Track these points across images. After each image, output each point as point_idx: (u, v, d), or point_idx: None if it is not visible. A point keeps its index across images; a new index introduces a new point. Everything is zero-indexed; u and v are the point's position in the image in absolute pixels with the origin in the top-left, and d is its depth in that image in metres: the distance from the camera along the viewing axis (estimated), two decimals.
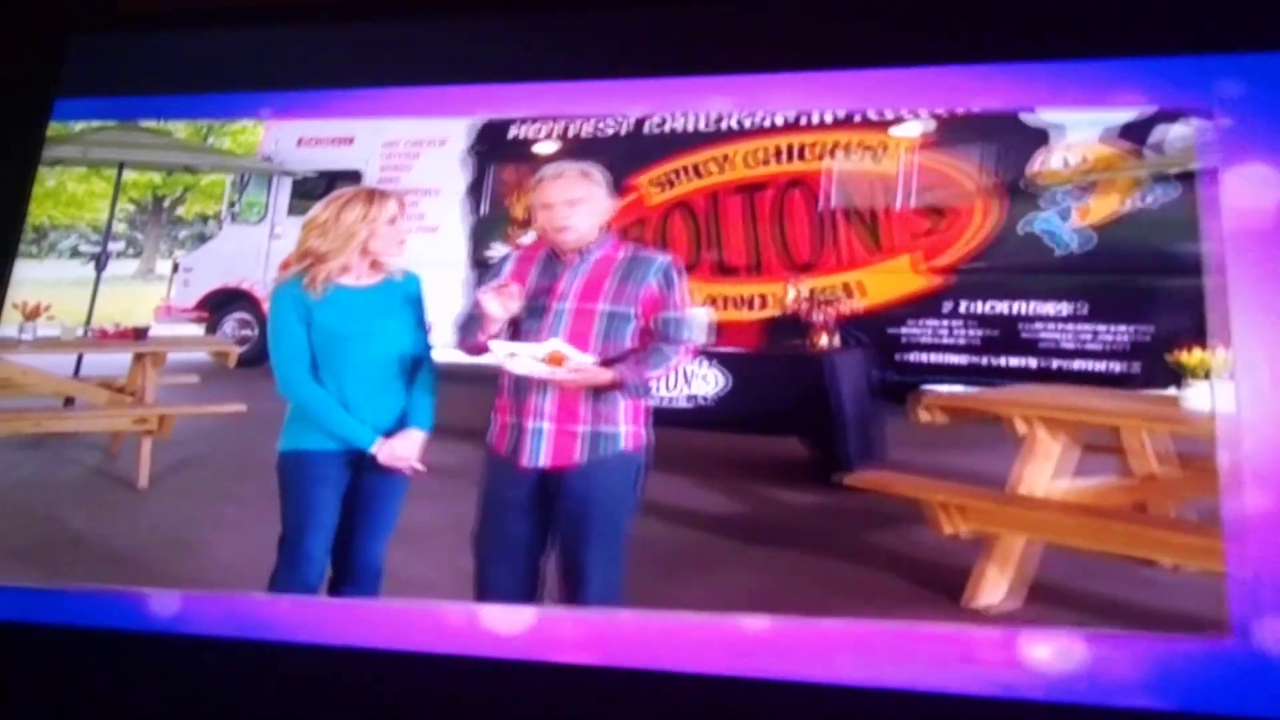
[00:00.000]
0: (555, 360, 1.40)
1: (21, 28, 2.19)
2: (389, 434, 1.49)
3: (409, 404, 1.51)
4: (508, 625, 1.46)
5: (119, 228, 2.12)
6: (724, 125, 1.74)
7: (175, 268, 2.26)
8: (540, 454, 1.43)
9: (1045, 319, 1.48)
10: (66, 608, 1.72)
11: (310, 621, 1.56)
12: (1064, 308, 1.46)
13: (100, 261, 2.03)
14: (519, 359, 1.41)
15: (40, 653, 1.71)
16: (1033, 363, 1.50)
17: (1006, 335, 1.56)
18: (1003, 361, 1.56)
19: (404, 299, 1.54)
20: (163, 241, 2.29)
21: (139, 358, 2.06)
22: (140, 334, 2.06)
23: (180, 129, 2.08)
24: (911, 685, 1.39)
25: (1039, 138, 1.51)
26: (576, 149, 1.69)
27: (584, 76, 1.82)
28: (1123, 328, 1.34)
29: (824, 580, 1.34)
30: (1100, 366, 1.38)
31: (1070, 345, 1.45)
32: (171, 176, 2.24)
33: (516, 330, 1.47)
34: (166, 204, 2.30)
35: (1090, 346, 1.40)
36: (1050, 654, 1.36)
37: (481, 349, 1.46)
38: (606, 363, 1.42)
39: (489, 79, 1.83)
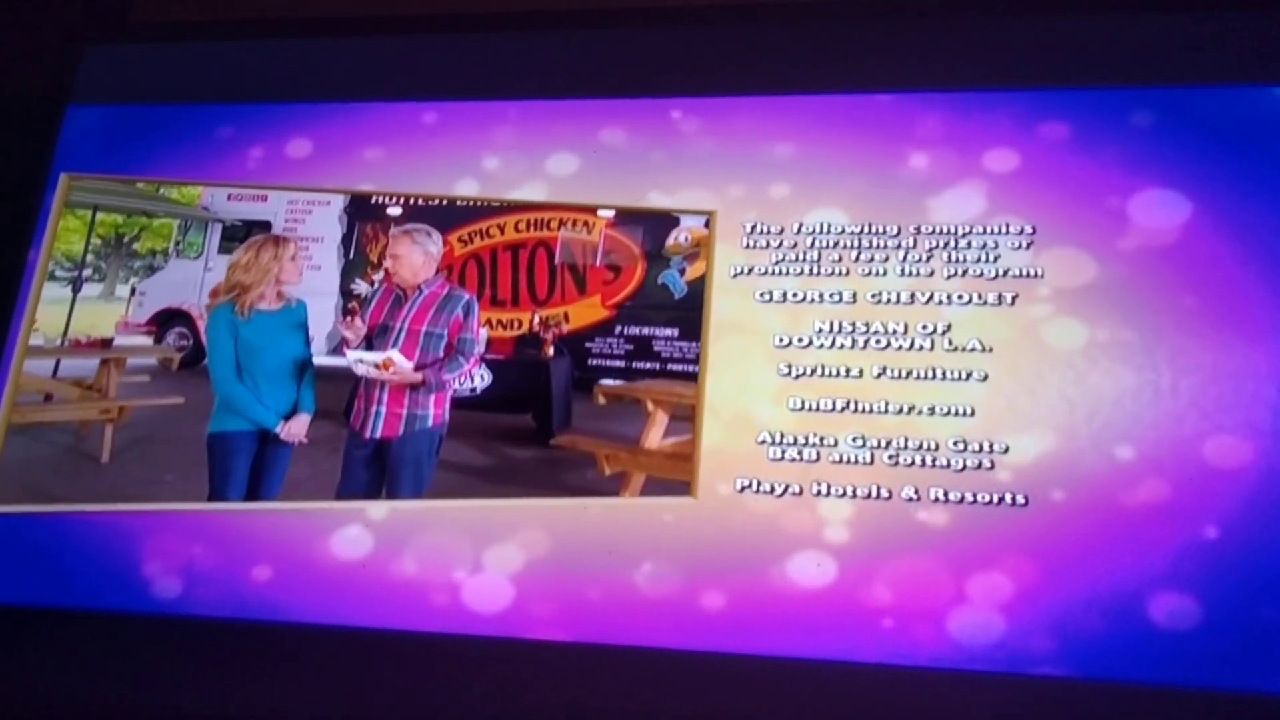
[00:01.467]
0: (385, 366, 1.97)
1: (35, 38, 2.30)
2: (286, 417, 2.01)
3: (299, 395, 2.04)
4: (488, 605, 1.72)
5: (87, 258, 2.34)
6: (501, 203, 2.08)
7: (133, 291, 2.50)
8: (377, 428, 2.00)
9: (663, 338, 1.87)
10: (69, 590, 1.85)
11: (298, 602, 1.78)
12: (673, 331, 1.84)
13: (76, 285, 2.29)
14: (362, 365, 1.98)
15: (44, 636, 1.83)
16: (656, 366, 1.89)
17: (643, 348, 1.94)
18: (642, 365, 1.94)
19: (298, 320, 2.06)
20: (121, 270, 2.48)
21: (105, 362, 2.35)
22: (106, 343, 2.36)
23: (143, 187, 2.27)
24: (850, 658, 1.60)
25: (673, 223, 1.93)
26: (415, 214, 2.10)
27: (555, 95, 2.05)
28: (695, 343, 1.77)
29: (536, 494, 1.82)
30: (688, 368, 1.79)
31: (675, 355, 1.85)
32: (131, 218, 2.49)
33: (372, 343, 2.04)
34: (126, 240, 2.52)
35: (683, 355, 1.82)
36: (972, 629, 1.58)
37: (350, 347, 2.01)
38: (421, 367, 2.00)
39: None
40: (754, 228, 1.87)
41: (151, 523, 1.86)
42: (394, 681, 1.70)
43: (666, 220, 2.02)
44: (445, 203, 2.15)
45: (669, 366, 1.97)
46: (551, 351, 2.21)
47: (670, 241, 2.04)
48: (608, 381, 2.07)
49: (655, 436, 1.92)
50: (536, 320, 2.23)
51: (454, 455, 2.00)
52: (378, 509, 1.81)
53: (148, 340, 2.54)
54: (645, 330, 2.06)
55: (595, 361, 2.10)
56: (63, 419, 2.25)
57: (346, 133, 2.12)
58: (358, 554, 1.75)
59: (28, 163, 2.17)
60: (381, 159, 2.09)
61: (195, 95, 2.18)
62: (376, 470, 1.97)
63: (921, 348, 1.74)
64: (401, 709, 1.69)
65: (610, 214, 2.12)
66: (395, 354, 1.99)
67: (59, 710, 1.76)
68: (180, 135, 2.18)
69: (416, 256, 2.06)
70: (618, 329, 2.10)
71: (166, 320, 2.58)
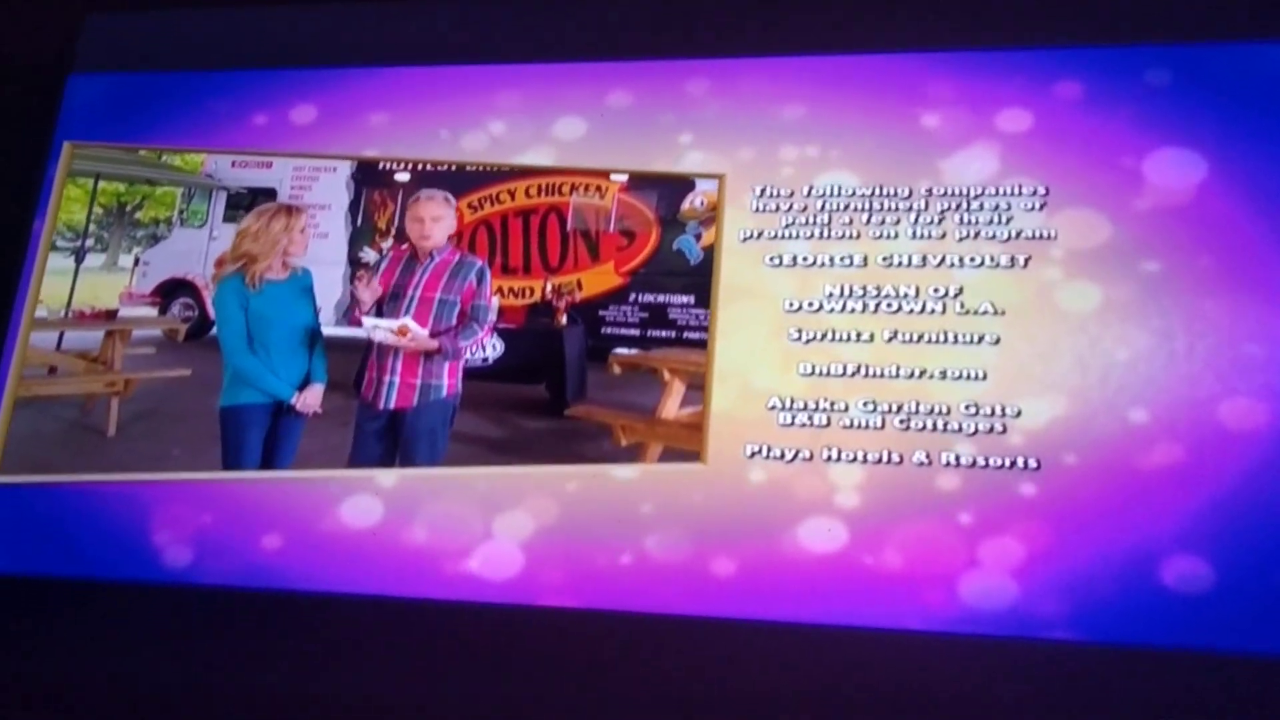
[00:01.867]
0: (402, 332, 1.95)
1: (35, 5, 2.26)
2: (300, 388, 2.00)
3: (312, 365, 2.02)
4: (498, 572, 1.73)
5: (89, 228, 2.32)
6: (512, 168, 2.05)
7: (137, 261, 2.50)
8: (391, 399, 1.99)
9: (679, 305, 1.86)
10: (79, 560, 1.85)
11: (313, 571, 1.78)
12: (689, 298, 1.84)
13: (79, 256, 2.28)
14: (379, 330, 1.97)
15: (54, 606, 1.84)
16: (672, 334, 1.88)
17: (658, 316, 1.93)
18: (657, 333, 1.93)
19: (305, 289, 2.04)
20: (124, 240, 2.47)
21: (110, 334, 2.32)
22: (111, 315, 2.33)
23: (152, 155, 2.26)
24: (862, 623, 1.60)
25: (688, 187, 1.92)
26: (423, 179, 2.07)
27: (561, 59, 2.04)
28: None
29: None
30: (704, 336, 1.77)
31: (691, 322, 1.83)
32: (133, 187, 2.46)
33: (382, 310, 2.02)
34: (129, 209, 2.49)
35: (699, 323, 1.80)
36: (985, 594, 1.57)
37: (356, 323, 2.01)
38: (435, 335, 1.98)
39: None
40: (764, 191, 1.86)
41: (160, 492, 1.86)
42: (404, 649, 1.71)
43: (681, 185, 2.00)
44: (454, 168, 2.13)
45: (685, 334, 1.94)
46: (565, 320, 2.19)
47: (685, 206, 2.02)
48: (622, 350, 2.06)
49: (672, 406, 1.89)
50: (549, 288, 2.20)
51: (466, 427, 1.99)
52: (387, 477, 1.82)
53: (152, 311, 2.53)
54: (660, 298, 2.04)
55: (609, 330, 2.08)
56: (68, 392, 2.22)
57: (351, 98, 2.10)
58: (368, 522, 1.76)
59: (31, 132, 2.15)
60: (386, 124, 2.07)
61: (197, 62, 2.16)
62: (390, 442, 1.96)
63: (933, 311, 1.73)
64: (412, 676, 1.69)
65: (623, 179, 2.09)
66: (409, 321, 1.98)
67: (72, 680, 1.77)
68: (183, 103, 2.15)
69: (451, 220, 2.06)
70: (632, 296, 2.08)
71: (171, 290, 2.57)
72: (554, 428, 2.06)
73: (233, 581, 1.77)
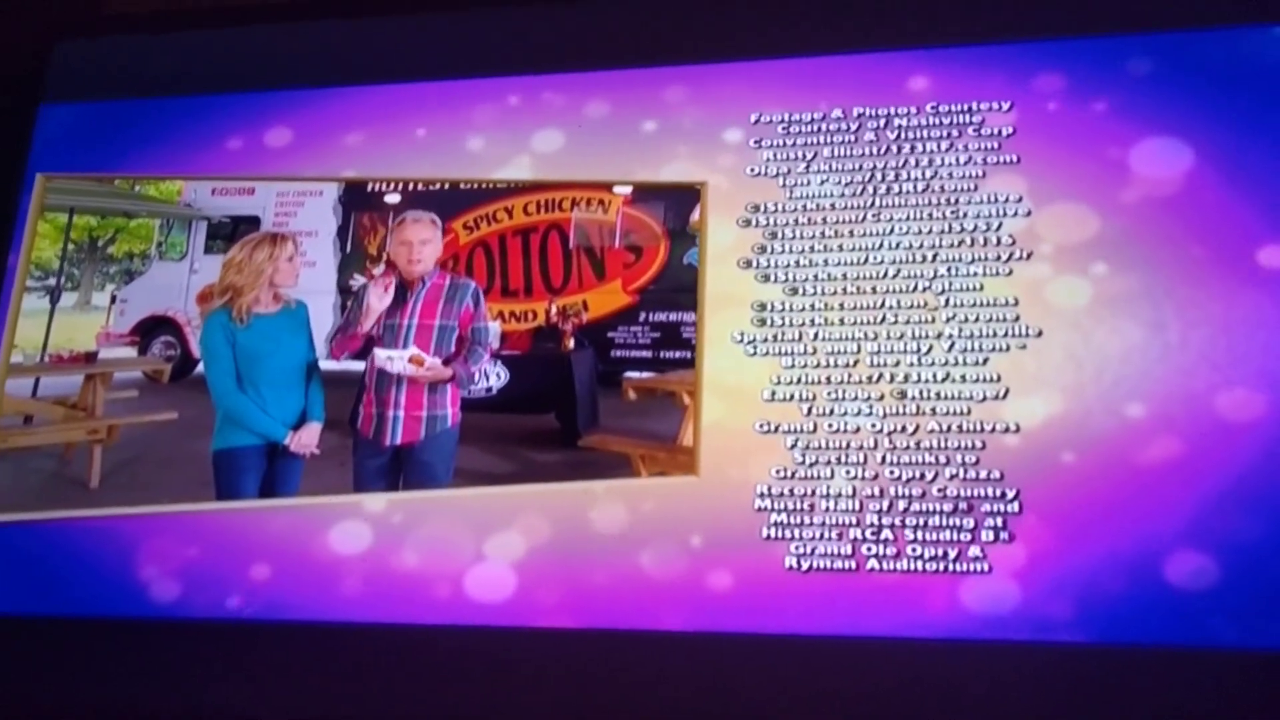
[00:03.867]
0: (417, 361, 1.88)
1: (3, 34, 2.23)
2: (295, 428, 1.92)
3: (308, 403, 1.94)
4: (491, 594, 1.70)
5: (59, 265, 2.26)
6: (509, 185, 2.02)
7: (113, 299, 2.42)
8: (397, 434, 1.91)
9: (692, 324, 1.80)
10: (65, 598, 1.82)
11: (298, 599, 1.75)
12: None
13: (54, 295, 2.21)
14: (395, 361, 1.88)
15: (41, 644, 1.79)
16: (687, 354, 1.81)
17: (671, 335, 1.91)
18: (672, 354, 1.90)
19: (300, 322, 1.97)
20: (96, 276, 2.41)
21: (89, 378, 2.23)
22: (91, 357, 2.27)
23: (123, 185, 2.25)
24: (863, 632, 1.58)
25: (697, 196, 1.86)
26: (414, 200, 2.03)
27: (539, 70, 2.00)
28: None
29: None
30: None
31: None
32: (105, 220, 2.40)
33: (376, 342, 1.93)
34: (101, 243, 2.43)
35: None
36: (987, 598, 1.57)
37: (353, 348, 1.93)
38: (445, 362, 1.92)
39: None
40: (746, 197, 1.87)
41: (145, 527, 1.84)
42: (398, 675, 1.69)
43: (690, 194, 1.92)
44: (446, 187, 2.07)
45: None
46: (572, 344, 2.12)
47: (695, 217, 1.92)
48: (634, 374, 2.00)
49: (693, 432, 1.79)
50: (554, 310, 2.13)
51: (472, 461, 1.92)
52: (375, 502, 1.78)
53: (131, 352, 2.43)
54: (673, 315, 1.98)
55: (619, 353, 2.02)
56: (47, 442, 2.12)
57: (326, 118, 2.11)
58: (357, 548, 1.73)
59: (2, 165, 2.11)
60: (363, 143, 2.07)
61: (169, 88, 2.14)
62: (394, 479, 1.90)
63: (922, 312, 1.76)
64: (406, 702, 1.68)
65: (628, 190, 2.05)
66: (418, 350, 1.90)
67: (61, 718, 1.75)
68: (156, 129, 2.13)
69: (439, 243, 1.98)
70: (642, 316, 2.03)
71: (150, 329, 2.46)
72: (567, 459, 1.98)
73: (222, 614, 1.75)
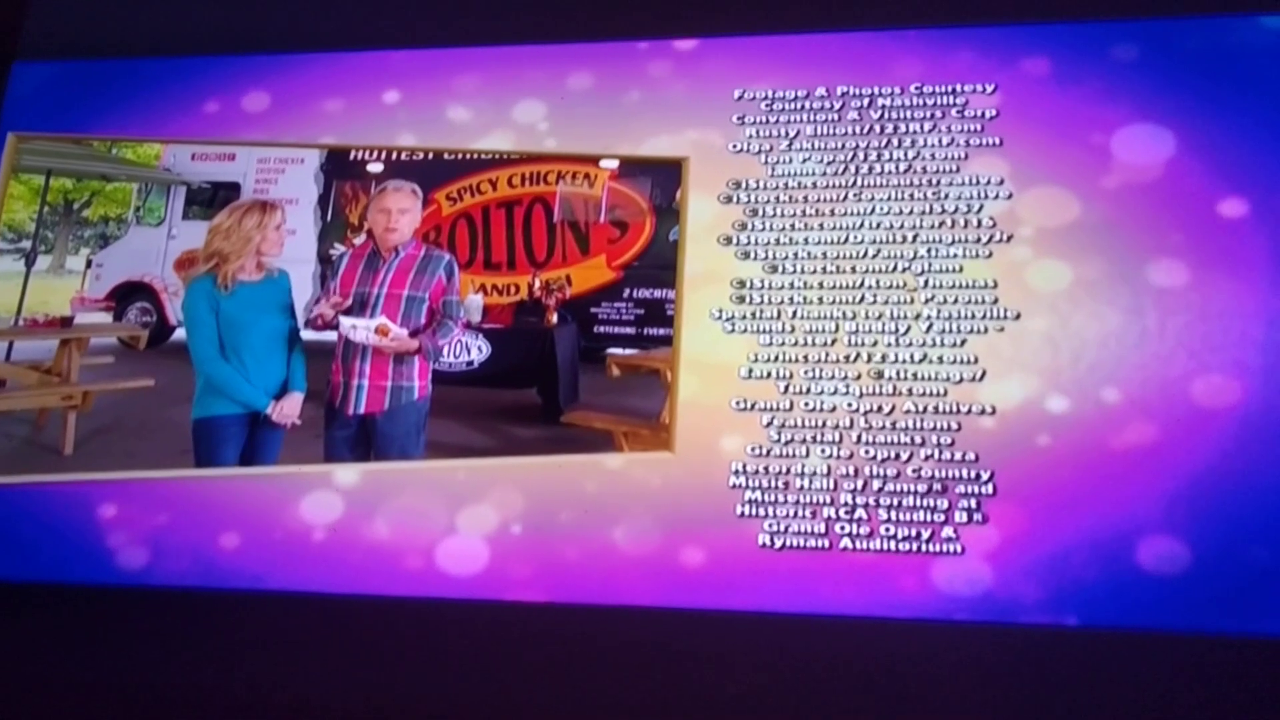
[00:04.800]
0: (383, 332, 1.88)
1: None
2: (277, 397, 1.92)
3: (290, 373, 1.94)
4: (462, 567, 1.70)
5: (33, 228, 2.25)
6: (494, 156, 2.01)
7: (89, 264, 2.40)
8: (360, 403, 1.91)
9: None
10: (31, 564, 1.80)
11: (275, 570, 1.74)
12: None
13: (30, 259, 2.19)
14: (359, 330, 1.88)
15: (6, 611, 1.78)
16: (670, 331, 1.79)
17: (655, 313, 1.89)
18: (655, 331, 1.89)
19: (282, 291, 1.96)
20: (70, 240, 2.38)
21: (64, 343, 2.19)
22: (67, 322, 2.25)
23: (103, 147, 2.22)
24: (834, 611, 1.59)
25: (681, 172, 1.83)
26: (397, 169, 2.01)
27: (523, 40, 1.98)
28: None
29: None
30: None
31: None
32: (81, 183, 2.38)
33: (349, 310, 1.94)
34: (76, 207, 2.41)
35: None
36: (959, 579, 1.58)
37: (329, 324, 1.93)
38: (411, 334, 1.91)
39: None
40: (728, 173, 1.87)
41: (114, 493, 1.83)
42: (368, 647, 1.69)
43: (677, 171, 1.91)
44: (430, 157, 2.04)
45: None
46: (555, 319, 2.10)
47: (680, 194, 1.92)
48: (617, 351, 2.00)
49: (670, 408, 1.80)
50: (537, 284, 2.12)
51: (452, 435, 1.93)
52: (347, 473, 1.75)
53: (107, 317, 2.40)
54: (656, 293, 1.96)
55: (602, 329, 2.02)
56: (21, 407, 2.10)
57: (305, 84, 2.09)
58: (328, 519, 1.72)
59: None
60: (342, 110, 2.05)
61: (147, 49, 2.10)
62: (362, 451, 1.90)
63: (901, 292, 1.77)
64: (376, 674, 1.69)
65: (614, 165, 2.04)
66: (384, 319, 1.89)
67: (24, 685, 1.73)
68: (132, 91, 2.09)
69: (417, 213, 1.96)
70: (626, 292, 2.03)
71: (126, 294, 2.44)
72: (549, 435, 1.98)
73: (190, 582, 1.74)
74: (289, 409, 1.91)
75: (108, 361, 2.30)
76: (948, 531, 1.64)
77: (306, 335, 1.98)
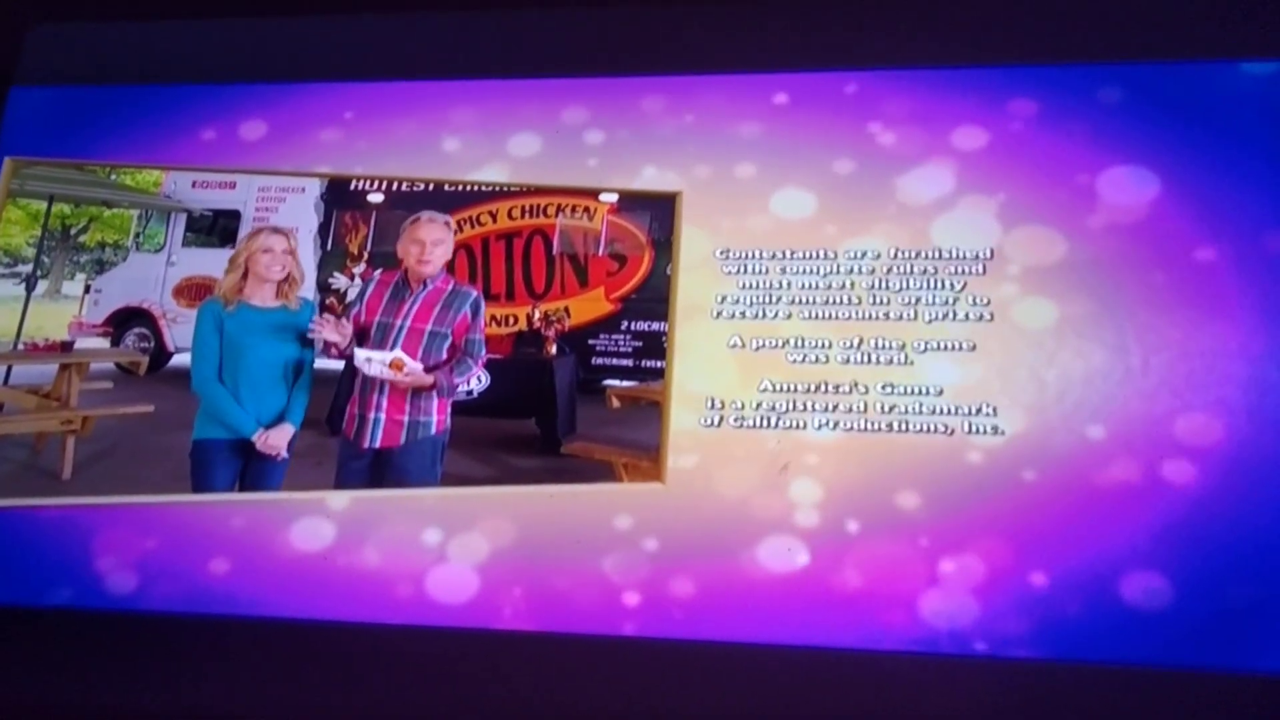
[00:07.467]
0: (397, 366, 1.87)
1: None
2: (269, 427, 1.89)
3: (290, 405, 1.92)
4: (452, 595, 1.69)
5: (31, 253, 2.26)
6: (494, 188, 2.05)
7: (87, 289, 2.41)
8: (376, 437, 1.91)
9: None
10: (19, 588, 1.77)
11: (265, 596, 1.72)
12: None
13: (30, 283, 2.19)
14: (373, 364, 1.87)
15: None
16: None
17: (653, 345, 1.93)
18: (653, 364, 1.92)
19: (296, 322, 1.94)
20: (67, 265, 2.40)
21: (64, 368, 2.20)
22: (66, 347, 2.26)
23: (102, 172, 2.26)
24: (823, 643, 1.60)
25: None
26: (397, 199, 2.07)
27: (519, 74, 2.00)
28: None
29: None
30: None
31: None
32: (79, 209, 2.40)
33: (367, 340, 1.92)
34: (73, 232, 2.42)
35: None
36: (945, 612, 1.60)
37: (343, 354, 1.91)
38: (429, 369, 1.90)
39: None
40: (720, 208, 1.93)
41: (103, 517, 1.82)
42: (357, 674, 1.68)
43: (672, 203, 1.96)
44: (430, 187, 2.06)
45: None
46: (554, 350, 2.13)
47: None
48: (614, 382, 2.02)
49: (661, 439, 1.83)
50: (536, 316, 2.16)
51: (452, 465, 1.93)
52: (338, 499, 1.74)
53: (104, 342, 2.43)
54: (654, 325, 1.97)
55: (600, 360, 2.05)
56: (19, 431, 2.09)
57: (302, 114, 2.14)
58: (318, 545, 1.69)
59: None
60: (338, 140, 2.09)
61: (145, 76, 2.11)
62: (376, 483, 1.89)
63: (890, 329, 1.80)
64: (365, 702, 1.69)
65: (613, 199, 2.08)
66: (401, 354, 1.88)
67: (10, 710, 1.69)
68: (128, 118, 2.11)
69: (449, 245, 1.94)
70: (624, 324, 2.06)
71: (124, 320, 2.45)
72: (548, 466, 2.02)
73: (179, 608, 1.72)
74: (275, 439, 1.89)
75: (107, 387, 2.30)
76: (936, 564, 1.67)
77: (322, 364, 1.96)
